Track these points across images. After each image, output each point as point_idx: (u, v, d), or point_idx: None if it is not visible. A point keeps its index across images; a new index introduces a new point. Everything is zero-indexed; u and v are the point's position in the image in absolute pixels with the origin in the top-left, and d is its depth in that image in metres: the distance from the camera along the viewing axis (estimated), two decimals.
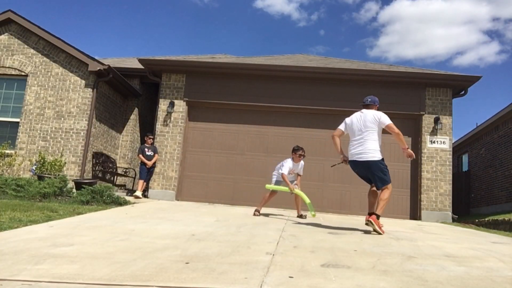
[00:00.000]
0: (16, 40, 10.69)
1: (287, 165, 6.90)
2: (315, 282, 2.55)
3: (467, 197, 14.79)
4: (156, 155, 9.63)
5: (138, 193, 9.11)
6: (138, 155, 9.72)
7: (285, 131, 10.08)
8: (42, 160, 9.22)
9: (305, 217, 7.18)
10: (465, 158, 15.94)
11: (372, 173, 5.29)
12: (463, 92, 9.92)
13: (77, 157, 10.03)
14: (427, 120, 9.70)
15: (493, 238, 5.73)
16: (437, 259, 3.54)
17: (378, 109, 5.61)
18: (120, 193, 9.11)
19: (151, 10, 47.77)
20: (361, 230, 5.56)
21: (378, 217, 5.14)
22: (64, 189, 7.63)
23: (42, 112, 10.31)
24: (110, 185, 8.21)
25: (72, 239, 3.75)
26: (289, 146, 9.84)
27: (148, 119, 12.96)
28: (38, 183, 7.61)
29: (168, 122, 10.09)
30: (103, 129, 11.09)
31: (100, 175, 10.86)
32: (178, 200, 9.77)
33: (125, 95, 12.18)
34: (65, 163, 9.81)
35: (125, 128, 12.26)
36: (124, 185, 11.93)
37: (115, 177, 11.51)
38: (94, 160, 10.61)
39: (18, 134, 10.24)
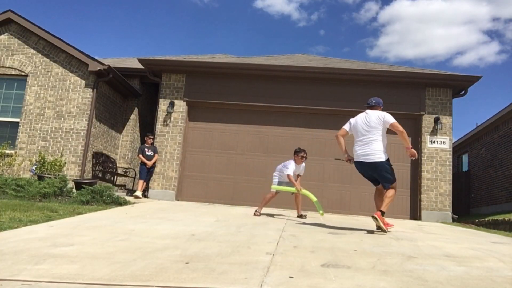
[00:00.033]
0: (16, 40, 10.69)
1: (291, 167, 6.93)
2: (315, 282, 2.55)
3: (467, 197, 14.78)
4: (156, 155, 9.63)
5: (138, 193, 9.11)
6: (138, 155, 9.72)
7: (285, 131, 10.08)
8: (42, 160, 9.22)
9: (305, 217, 7.18)
10: (465, 158, 15.94)
11: (379, 174, 5.37)
12: (463, 92, 9.92)
13: (77, 157, 10.03)
14: (427, 120, 9.70)
15: (493, 238, 5.73)
16: (437, 259, 3.54)
17: (382, 110, 5.62)
18: (120, 193, 9.11)
19: (151, 10, 47.79)
20: (361, 230, 5.56)
21: (383, 213, 5.20)
22: (64, 189, 7.63)
23: (42, 112, 10.31)
24: (110, 185, 8.21)
25: (72, 239, 3.75)
26: (289, 146, 9.87)
27: (148, 119, 12.96)
28: (38, 183, 7.61)
29: (168, 122, 10.09)
30: (103, 129, 11.09)
31: (100, 175, 10.86)
32: (178, 200, 9.77)
33: (125, 95, 12.18)
34: (65, 163, 9.81)
35: (125, 128, 12.26)
36: (124, 185, 11.93)
37: (115, 177, 11.51)
38: (94, 160, 10.61)
39: (18, 134, 10.24)
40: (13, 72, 10.56)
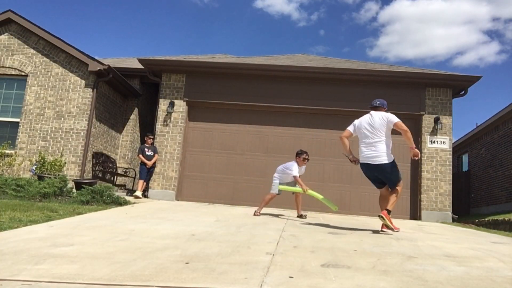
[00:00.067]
0: (16, 40, 10.69)
1: (295, 168, 6.95)
2: (315, 282, 2.55)
3: (467, 197, 14.78)
4: (156, 155, 9.63)
5: (138, 193, 9.11)
6: (138, 155, 9.72)
7: (285, 131, 10.08)
8: (42, 160, 9.22)
9: (305, 217, 7.19)
10: (465, 158, 15.94)
11: (385, 176, 5.41)
12: (463, 92, 9.92)
13: (77, 157, 10.03)
14: (427, 120, 9.70)
15: (493, 238, 5.73)
16: (437, 259, 3.54)
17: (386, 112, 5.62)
18: (120, 193, 9.11)
19: (151, 10, 47.79)
20: (361, 230, 5.57)
21: (389, 212, 5.24)
22: (64, 189, 7.63)
23: (42, 112, 10.31)
24: (110, 185, 8.21)
25: (72, 239, 3.75)
26: (289, 146, 9.89)
27: (148, 119, 12.96)
28: (38, 183, 7.61)
29: (168, 122, 10.09)
30: (103, 129, 11.10)
31: (100, 175, 10.86)
32: (178, 200, 9.77)
33: (125, 95, 12.18)
34: (65, 163, 9.81)
35: (125, 128, 12.26)
36: (124, 185, 11.93)
37: (115, 177, 11.51)
38: (94, 160, 10.61)
39: (18, 134, 10.24)
40: (13, 72, 10.56)
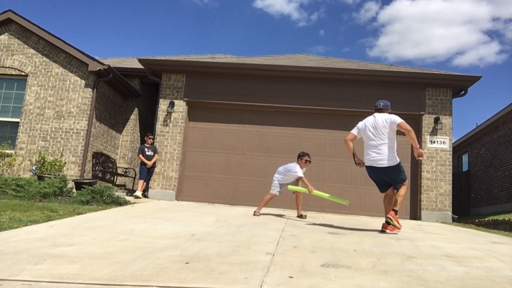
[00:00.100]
0: (16, 40, 10.69)
1: (299, 169, 6.97)
2: (315, 282, 2.55)
3: (467, 197, 14.79)
4: (156, 155, 9.63)
5: (138, 193, 9.11)
6: (138, 155, 9.72)
7: (285, 131, 10.08)
8: (42, 160, 9.22)
9: (305, 217, 7.19)
10: (465, 158, 15.94)
11: (391, 178, 5.41)
12: (463, 92, 9.92)
13: (77, 157, 10.03)
14: (427, 120, 9.70)
15: (493, 238, 5.73)
16: (437, 259, 3.54)
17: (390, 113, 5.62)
18: (120, 193, 9.11)
19: (151, 10, 47.78)
20: (361, 230, 5.57)
21: (396, 212, 5.28)
22: (64, 189, 7.63)
23: (42, 112, 10.31)
24: (110, 185, 8.21)
25: (72, 239, 3.75)
26: (289, 146, 9.89)
27: (148, 119, 12.97)
28: (38, 183, 7.61)
29: (168, 122, 10.09)
30: (103, 129, 11.10)
31: (100, 175, 10.86)
32: (178, 200, 9.77)
33: (125, 95, 12.18)
34: (65, 163, 9.81)
35: (125, 128, 12.26)
36: (124, 185, 11.93)
37: (115, 177, 11.51)
38: (94, 160, 10.61)
39: (18, 134, 10.24)
40: (13, 72, 10.56)
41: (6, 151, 9.93)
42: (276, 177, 7.18)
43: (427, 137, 9.61)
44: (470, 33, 48.34)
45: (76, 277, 2.47)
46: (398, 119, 5.37)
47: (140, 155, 9.47)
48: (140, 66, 10.85)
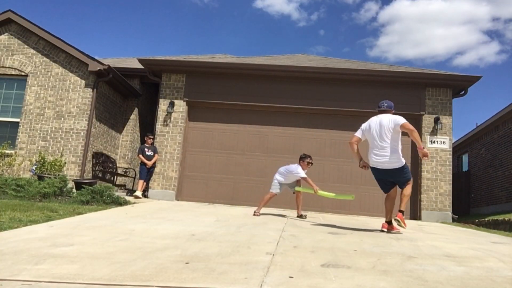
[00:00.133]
0: (16, 40, 10.69)
1: (301, 170, 6.97)
2: (315, 282, 2.55)
3: (467, 197, 14.79)
4: (156, 155, 9.63)
5: (138, 193, 9.11)
6: (138, 155, 9.72)
7: (285, 131, 10.08)
8: (42, 160, 9.22)
9: (305, 217, 7.20)
10: (465, 158, 15.94)
11: (396, 178, 5.42)
12: (463, 92, 9.92)
13: (77, 157, 10.03)
14: (427, 120, 9.70)
15: (493, 238, 5.73)
16: (437, 259, 3.54)
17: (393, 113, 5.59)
18: (120, 193, 9.11)
19: (151, 10, 47.78)
20: (361, 230, 5.57)
21: (402, 213, 5.30)
22: (64, 189, 7.63)
23: (42, 112, 10.31)
24: (110, 185, 8.20)
25: (72, 239, 3.75)
26: (289, 146, 9.89)
27: (148, 119, 12.96)
28: (38, 183, 7.61)
29: (168, 122, 10.09)
30: (103, 129, 11.10)
31: (100, 175, 10.86)
32: (178, 200, 9.77)
33: (125, 95, 12.18)
34: (65, 163, 9.81)
35: (125, 128, 12.26)
36: (124, 185, 11.93)
37: (115, 177, 11.51)
38: (94, 160, 10.61)
39: (18, 134, 10.24)
40: (13, 72, 10.56)
41: (6, 151, 9.93)
42: (276, 177, 7.18)
43: (427, 137, 9.61)
44: (470, 33, 48.36)
45: (76, 277, 2.47)
46: (401, 120, 5.33)
47: (140, 155, 9.47)
48: (140, 66, 10.85)
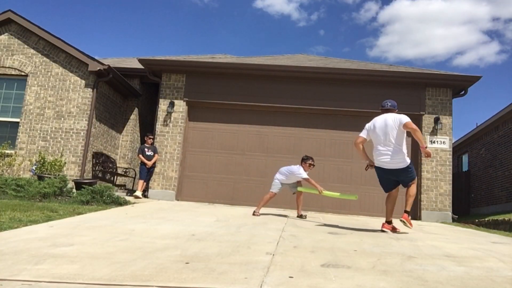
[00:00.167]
0: (16, 40, 10.69)
1: (303, 171, 6.98)
2: (315, 282, 2.55)
3: (467, 197, 14.79)
4: (156, 155, 9.63)
5: (138, 193, 9.11)
6: (138, 155, 9.72)
7: (285, 131, 10.08)
8: (42, 160, 9.22)
9: (305, 217, 7.20)
10: (465, 158, 15.94)
11: (402, 179, 5.41)
12: (463, 92, 9.92)
13: (77, 157, 10.03)
14: (427, 120, 9.70)
15: (493, 238, 5.73)
16: (437, 259, 3.54)
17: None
18: (120, 193, 9.11)
19: (151, 10, 47.78)
20: (361, 230, 5.57)
21: (408, 213, 5.32)
22: (64, 189, 7.63)
23: (42, 112, 10.31)
24: (110, 185, 8.20)
25: (72, 239, 3.75)
26: (289, 146, 9.89)
27: (148, 119, 12.96)
28: (38, 183, 7.61)
29: (168, 122, 10.09)
30: (103, 129, 11.09)
31: (100, 175, 10.86)
32: (178, 200, 9.77)
33: (125, 95, 12.18)
34: (65, 163, 9.81)
35: (125, 128, 12.26)
36: (124, 185, 11.93)
37: (115, 177, 11.51)
38: (94, 160, 10.61)
39: (18, 134, 10.24)
40: (13, 72, 10.56)
41: (6, 151, 9.93)
42: (277, 176, 7.17)
43: (427, 137, 9.61)
44: (470, 33, 48.36)
45: (76, 277, 2.47)
46: (404, 119, 5.28)
47: (140, 155, 9.47)
48: (140, 66, 10.85)
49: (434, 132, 9.62)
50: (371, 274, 2.85)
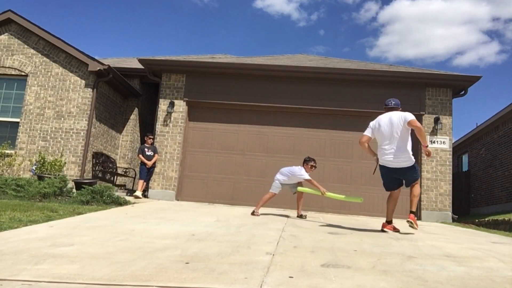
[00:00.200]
0: (16, 40, 10.69)
1: (304, 172, 6.98)
2: (315, 282, 2.55)
3: (467, 197, 14.79)
4: (156, 155, 9.63)
5: (138, 193, 9.11)
6: (138, 155, 9.72)
7: (285, 131, 10.08)
8: (42, 160, 9.22)
9: (305, 217, 7.20)
10: (465, 158, 15.94)
11: (406, 178, 5.40)
12: (463, 92, 9.92)
13: (77, 157, 10.03)
14: (427, 120, 9.70)
15: (493, 238, 5.73)
16: (437, 259, 3.54)
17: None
18: (120, 193, 9.11)
19: (151, 10, 47.78)
20: (361, 230, 5.57)
21: (415, 214, 5.31)
22: (64, 189, 7.63)
23: (42, 112, 10.31)
24: (110, 185, 8.21)
25: (72, 239, 3.75)
26: (289, 146, 9.89)
27: (148, 119, 12.96)
28: (38, 183, 7.61)
29: (168, 122, 10.09)
30: (103, 129, 11.09)
31: (100, 175, 10.86)
32: (178, 200, 9.77)
33: (125, 95, 12.18)
34: (65, 163, 9.81)
35: (125, 128, 12.26)
36: (124, 185, 11.93)
37: (115, 177, 11.51)
38: (94, 160, 10.61)
39: (18, 134, 10.24)
40: (13, 72, 10.56)
41: (6, 151, 9.93)
42: (278, 177, 7.16)
43: (427, 137, 9.60)
44: (470, 33, 48.36)
45: (76, 277, 2.47)
46: (409, 116, 5.25)
47: (140, 155, 9.47)
48: (140, 66, 10.85)
49: (434, 132, 9.62)
50: (371, 274, 2.85)
